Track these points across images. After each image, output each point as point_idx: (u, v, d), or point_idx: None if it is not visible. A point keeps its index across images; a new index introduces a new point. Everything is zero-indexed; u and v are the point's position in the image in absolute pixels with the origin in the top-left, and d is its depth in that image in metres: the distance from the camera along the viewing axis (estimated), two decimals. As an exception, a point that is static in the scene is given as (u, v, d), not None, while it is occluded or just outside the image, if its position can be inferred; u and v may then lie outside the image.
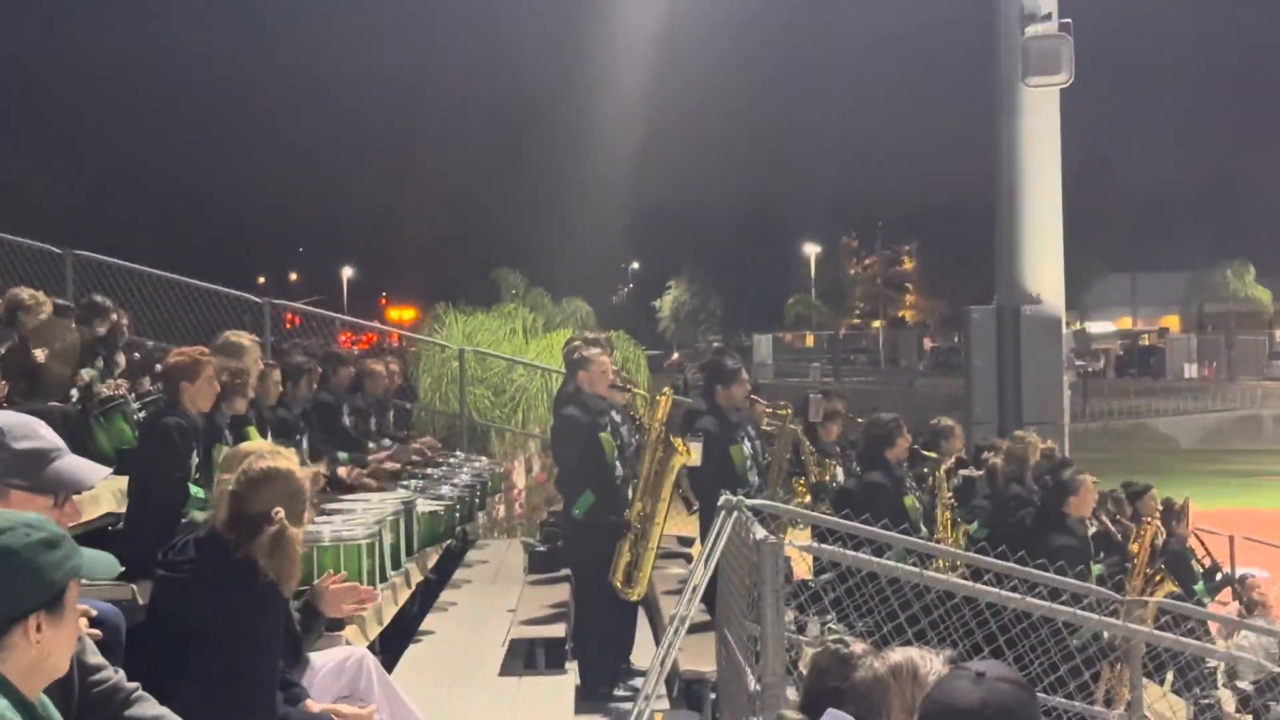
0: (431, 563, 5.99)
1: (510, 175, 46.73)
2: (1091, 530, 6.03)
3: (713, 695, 4.51)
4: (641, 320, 44.68)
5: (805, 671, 2.50)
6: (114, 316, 6.16)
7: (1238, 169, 55.44)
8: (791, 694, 3.05)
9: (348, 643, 3.61)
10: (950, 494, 6.13)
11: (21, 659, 1.64)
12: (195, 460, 4.09)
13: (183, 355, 4.21)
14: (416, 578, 5.39)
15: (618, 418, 5.24)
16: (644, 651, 5.14)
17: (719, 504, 3.72)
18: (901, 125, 63.66)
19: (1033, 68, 9.19)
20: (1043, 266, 9.56)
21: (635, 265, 59.85)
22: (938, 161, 52.34)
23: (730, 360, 5.86)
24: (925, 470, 6.20)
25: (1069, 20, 9.32)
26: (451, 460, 7.18)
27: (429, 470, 6.50)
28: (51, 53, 54.37)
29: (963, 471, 6.72)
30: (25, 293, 5.31)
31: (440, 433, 9.06)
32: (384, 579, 4.33)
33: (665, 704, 4.62)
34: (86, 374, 4.83)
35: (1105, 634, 4.58)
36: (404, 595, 5.01)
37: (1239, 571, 7.92)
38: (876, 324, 55.54)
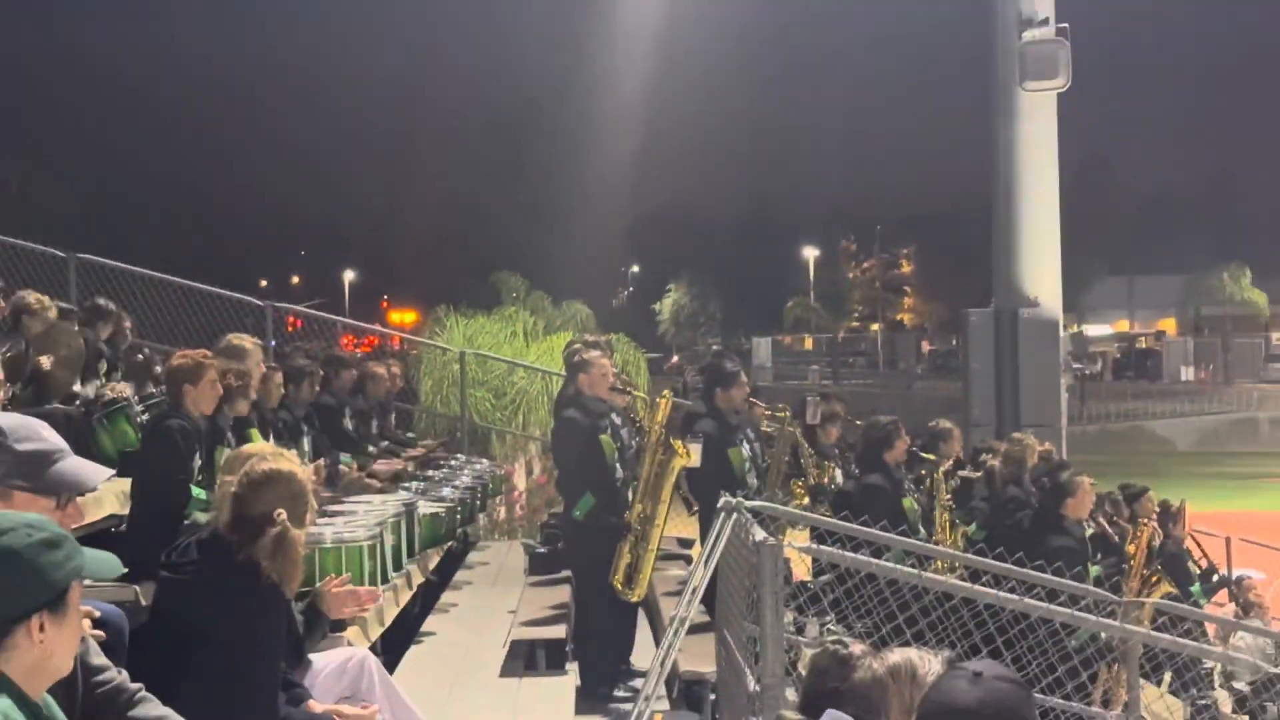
0: (433, 564, 6.01)
1: (511, 179, 46.73)
2: (1089, 532, 6.05)
3: (712, 696, 4.52)
4: (641, 323, 44.69)
5: (804, 672, 2.51)
6: (117, 320, 6.18)
7: (1234, 172, 55.55)
8: (790, 695, 3.06)
9: (349, 644, 3.63)
10: (948, 496, 6.15)
11: (25, 659, 1.65)
12: (198, 462, 4.11)
13: (185, 358, 4.23)
14: (418, 579, 5.40)
15: (618, 420, 5.26)
16: (644, 652, 5.15)
17: (719, 506, 3.74)
18: (899, 129, 63.84)
19: (1030, 72, 9.22)
20: (1040, 270, 9.58)
21: (635, 268, 59.85)
22: (935, 165, 52.50)
23: (729, 363, 5.88)
24: (923, 472, 6.22)
25: (1066, 25, 9.36)
26: (452, 462, 7.21)
27: (430, 472, 6.52)
28: (54, 56, 54.45)
29: (961, 473, 6.74)
30: (31, 296, 5.33)
31: (441, 435, 9.09)
32: (385, 580, 4.35)
33: (665, 705, 4.63)
34: (91, 389, 4.86)
35: (1103, 635, 4.59)
36: (405, 596, 5.03)
37: (1236, 573, 7.94)
38: (875, 327, 55.55)
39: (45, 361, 4.47)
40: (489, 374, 10.62)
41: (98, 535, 4.08)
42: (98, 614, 2.48)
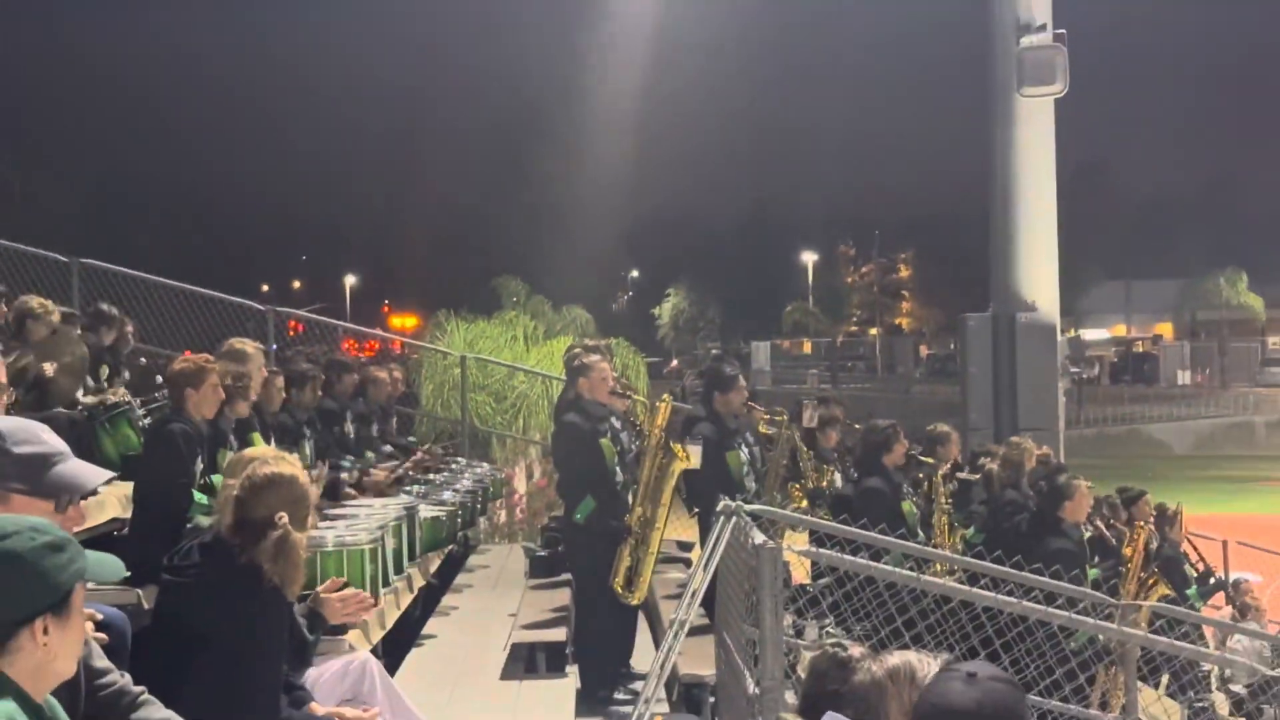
0: (433, 567, 6.03)
1: (511, 183, 46.82)
2: (1087, 535, 6.06)
3: (712, 699, 4.54)
4: (641, 327, 44.74)
5: (803, 675, 2.52)
6: (120, 324, 6.20)
7: (1231, 177, 55.66)
8: (790, 697, 3.08)
9: (351, 647, 3.64)
10: (947, 499, 6.17)
11: (28, 661, 1.65)
12: (200, 466, 4.13)
13: (187, 362, 4.25)
14: (419, 582, 5.42)
15: (618, 424, 5.28)
16: (644, 655, 5.16)
17: (718, 509, 3.76)
18: (897, 133, 63.88)
19: (1028, 78, 9.25)
20: (1037, 274, 9.60)
21: (635, 273, 59.89)
22: (933, 170, 52.53)
23: (728, 367, 5.90)
24: (921, 476, 6.24)
25: (1064, 31, 9.39)
26: (453, 466, 7.23)
27: (431, 476, 6.54)
28: (56, 62, 54.49)
29: (959, 475, 6.76)
30: (34, 301, 5.34)
31: (442, 439, 9.11)
32: (386, 584, 4.37)
33: (665, 707, 4.64)
34: (93, 393, 4.87)
35: (1101, 637, 4.61)
36: (406, 600, 5.04)
37: (1232, 576, 7.97)
38: (873, 331, 55.58)
39: (48, 368, 4.49)
40: (489, 378, 10.64)
41: (100, 538, 4.09)
42: (100, 617, 2.49)
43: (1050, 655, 4.38)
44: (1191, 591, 6.80)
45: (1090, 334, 44.33)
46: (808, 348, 53.80)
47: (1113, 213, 48.93)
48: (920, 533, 5.72)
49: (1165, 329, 50.68)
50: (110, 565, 2.50)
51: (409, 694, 3.49)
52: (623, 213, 47.00)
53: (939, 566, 5.04)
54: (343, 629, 3.56)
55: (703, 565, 3.72)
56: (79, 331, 5.56)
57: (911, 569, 4.09)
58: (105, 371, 5.58)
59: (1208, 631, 6.47)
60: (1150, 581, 5.91)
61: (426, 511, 5.47)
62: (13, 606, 1.64)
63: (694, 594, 3.75)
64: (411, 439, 8.20)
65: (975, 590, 3.84)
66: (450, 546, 6.40)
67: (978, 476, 6.69)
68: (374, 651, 3.94)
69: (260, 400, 4.95)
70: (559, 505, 6.43)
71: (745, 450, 5.62)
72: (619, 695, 5.04)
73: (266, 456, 3.00)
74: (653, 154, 49.54)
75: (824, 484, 6.23)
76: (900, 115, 64.30)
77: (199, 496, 4.02)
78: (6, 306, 5.72)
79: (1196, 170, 57.76)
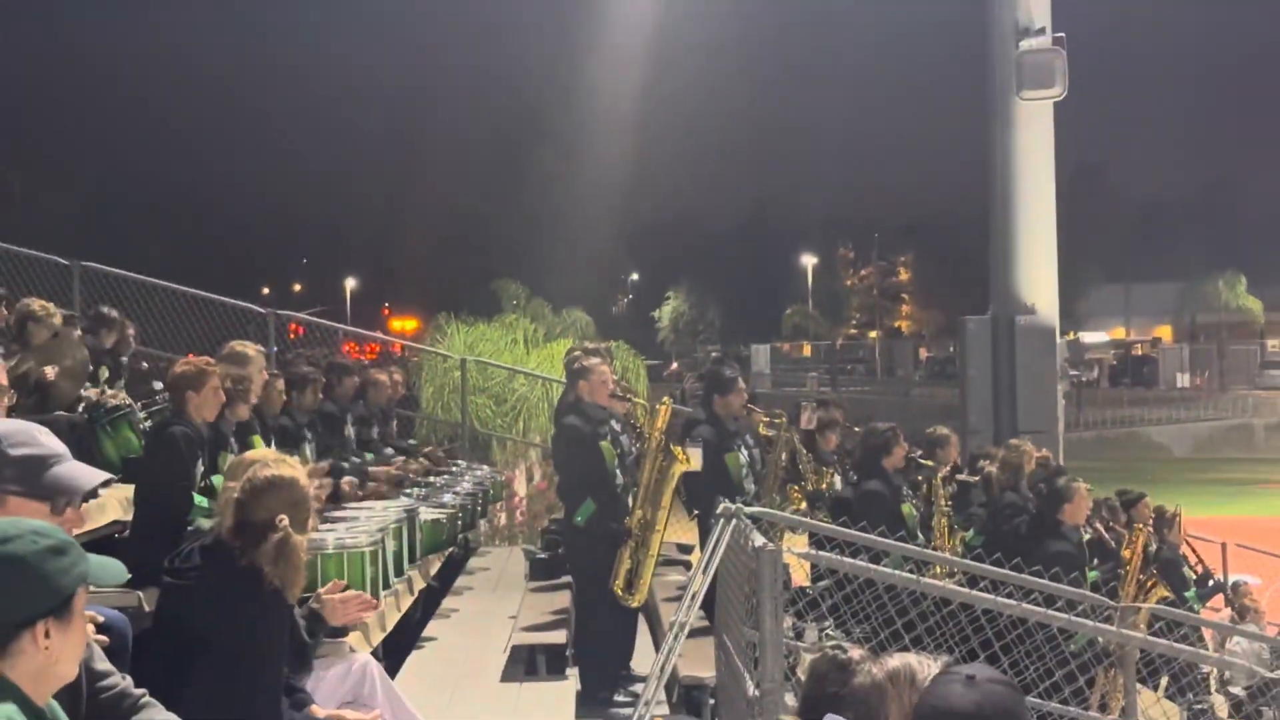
0: (434, 570, 6.03)
1: (511, 186, 46.86)
2: (1086, 537, 6.07)
3: (712, 701, 4.54)
4: (641, 330, 44.78)
5: (803, 677, 2.53)
6: (121, 327, 6.21)
7: (1230, 180, 55.75)
8: (790, 700, 3.09)
9: (352, 649, 3.65)
10: (946, 502, 6.18)
11: (30, 665, 1.65)
12: (200, 469, 4.14)
13: (188, 365, 4.25)
14: (419, 585, 5.42)
15: (618, 426, 5.29)
16: (644, 657, 5.17)
17: (718, 512, 3.76)
18: (897, 136, 63.93)
19: (1027, 81, 9.27)
20: (1037, 277, 9.61)
21: (635, 276, 59.94)
22: (933, 172, 52.60)
23: (728, 370, 5.91)
24: (921, 478, 6.25)
25: (1063, 34, 9.41)
26: (454, 469, 7.24)
27: (431, 478, 6.55)
28: (56, 62, 54.55)
29: (959, 478, 6.76)
30: (36, 304, 5.35)
31: (442, 442, 9.12)
32: (387, 586, 4.38)
33: (665, 709, 4.65)
34: (94, 396, 4.88)
35: (1100, 640, 4.61)
36: (406, 602, 5.05)
37: (1231, 578, 7.97)
38: (873, 334, 55.62)
39: (49, 372, 4.50)
40: (490, 381, 10.65)
41: (101, 541, 4.10)
42: (101, 619, 2.49)
43: (1050, 657, 4.38)
44: (1190, 594, 6.81)
45: (1089, 336, 44.35)
46: (807, 350, 53.83)
47: (1112, 215, 49.01)
48: (920, 535, 5.73)
49: (1164, 332, 50.73)
50: (112, 569, 2.49)
51: (409, 696, 3.50)
52: (622, 215, 47.09)
53: (939, 569, 5.04)
54: (344, 631, 3.57)
55: (703, 567, 3.73)
56: (79, 333, 5.57)
57: (911, 571, 4.10)
58: (105, 374, 5.59)
59: (1207, 634, 6.47)
60: (1149, 584, 5.92)
61: (427, 514, 5.48)
62: (15, 610, 1.65)
63: (694, 596, 3.75)
64: (412, 441, 8.21)
65: (975, 593, 3.85)
66: (450, 549, 6.40)
67: (977, 479, 6.69)
68: (374, 654, 3.95)
69: (261, 403, 4.95)
70: (559, 508, 6.44)
71: (745, 453, 5.62)
72: (619, 697, 5.04)
73: (267, 459, 3.00)
74: (652, 156, 49.66)
75: (823, 486, 6.23)
76: (899, 117, 64.44)
77: (199, 499, 4.03)
78: (8, 309, 5.73)
79: (1196, 173, 57.90)
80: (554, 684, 4.93)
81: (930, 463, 6.32)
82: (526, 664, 5.13)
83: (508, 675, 4.98)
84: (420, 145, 54.36)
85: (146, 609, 3.43)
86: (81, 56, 54.74)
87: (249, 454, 3.30)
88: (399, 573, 4.72)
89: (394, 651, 4.89)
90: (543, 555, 7.11)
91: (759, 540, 3.30)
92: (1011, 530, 6.02)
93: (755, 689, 3.24)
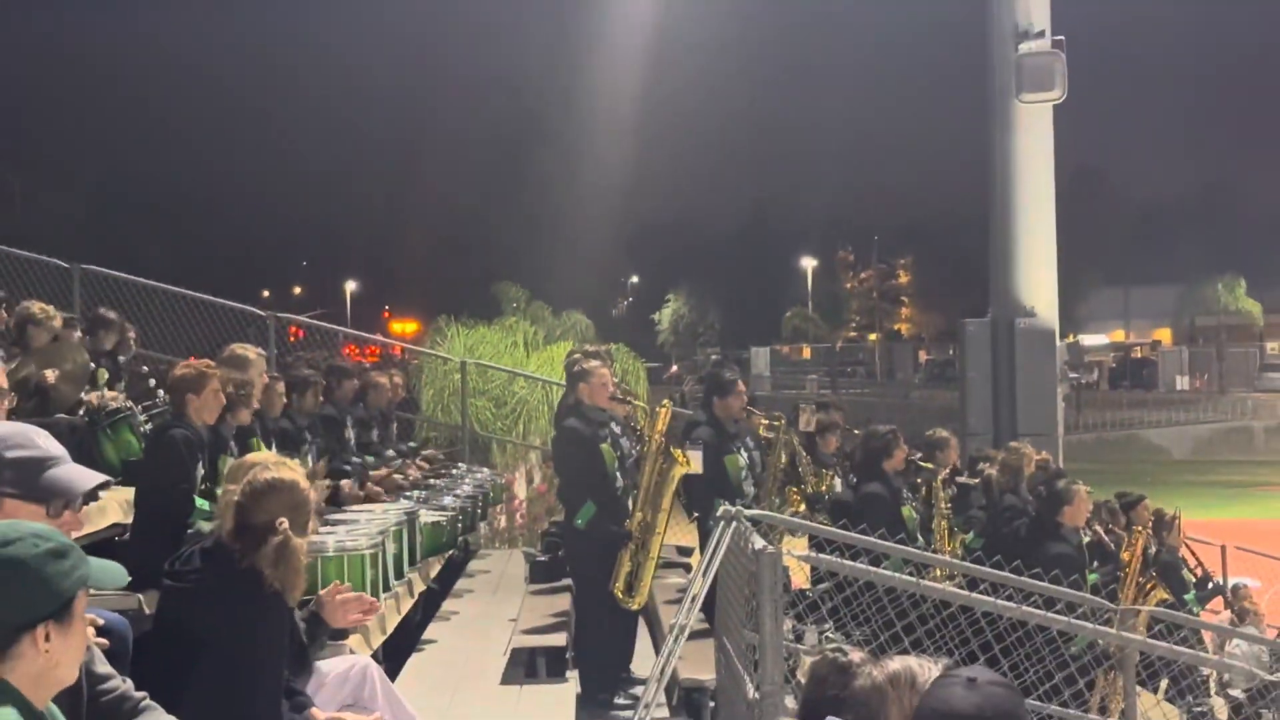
0: (434, 572, 6.03)
1: (511, 189, 46.94)
2: (1086, 540, 6.08)
3: (712, 703, 4.55)
4: (641, 333, 44.80)
5: (803, 680, 2.54)
6: (121, 330, 6.21)
7: (1229, 183, 55.86)
8: (790, 702, 3.09)
9: (352, 652, 3.65)
10: (946, 504, 6.18)
11: (30, 668, 1.65)
12: (201, 471, 4.14)
13: (188, 368, 4.25)
14: (419, 587, 5.43)
15: (618, 429, 5.29)
16: (644, 660, 5.18)
17: (718, 514, 3.77)
18: (896, 138, 63.96)
19: (1026, 84, 9.28)
20: (1036, 280, 9.62)
21: (635, 279, 59.99)
22: (932, 175, 52.63)
23: (727, 372, 5.91)
24: (920, 481, 6.25)
25: (1062, 37, 9.42)
26: (454, 471, 7.24)
27: (432, 481, 6.55)
28: (56, 62, 54.58)
29: (958, 480, 6.77)
30: (36, 306, 5.35)
31: (442, 445, 9.12)
32: (387, 588, 4.38)
33: (665, 712, 4.66)
34: (94, 398, 4.88)
35: (1100, 642, 4.62)
36: (407, 604, 5.05)
37: (1231, 581, 7.98)
38: (873, 337, 55.64)
39: (49, 375, 4.50)
40: (490, 383, 10.66)
41: (101, 544, 4.11)
42: (102, 622, 2.49)
43: (1050, 660, 4.39)
44: (1190, 596, 6.81)
45: (1089, 339, 44.42)
46: (807, 353, 53.85)
47: (1112, 218, 49.06)
48: (920, 538, 5.73)
49: (1164, 334, 50.79)
50: (113, 572, 2.49)
51: (409, 699, 3.50)
52: (622, 217, 47.15)
53: (939, 571, 5.05)
54: (344, 634, 3.57)
55: (702, 570, 3.73)
56: (79, 335, 5.58)
57: (911, 574, 4.10)
58: (105, 376, 5.59)
59: (1206, 636, 6.47)
60: (1149, 586, 5.93)
61: (427, 516, 5.49)
62: (15, 613, 1.64)
63: (694, 599, 3.76)
64: (412, 444, 8.22)
65: (975, 595, 3.85)
66: (451, 551, 6.41)
67: (977, 481, 6.70)
68: (375, 656, 3.95)
69: (261, 406, 4.95)
70: (559, 510, 6.44)
71: (745, 455, 5.63)
72: (619, 700, 5.05)
73: (267, 462, 3.01)
74: (652, 158, 49.73)
75: (823, 489, 6.24)
76: (899, 119, 64.44)
77: (200, 502, 4.03)
78: (8, 312, 5.73)
79: (1195, 176, 58.01)
80: (554, 686, 4.93)
81: (930, 465, 6.33)
82: (526, 666, 5.13)
83: (508, 678, 4.98)
84: (420, 147, 54.45)
85: (147, 612, 3.43)
86: (81, 57, 54.79)
87: (249, 457, 3.31)
88: (399, 575, 4.72)
89: (394, 654, 4.90)
90: (543, 558, 7.12)
91: (759, 543, 3.30)
92: (1011, 533, 6.03)
93: (755, 692, 3.24)
